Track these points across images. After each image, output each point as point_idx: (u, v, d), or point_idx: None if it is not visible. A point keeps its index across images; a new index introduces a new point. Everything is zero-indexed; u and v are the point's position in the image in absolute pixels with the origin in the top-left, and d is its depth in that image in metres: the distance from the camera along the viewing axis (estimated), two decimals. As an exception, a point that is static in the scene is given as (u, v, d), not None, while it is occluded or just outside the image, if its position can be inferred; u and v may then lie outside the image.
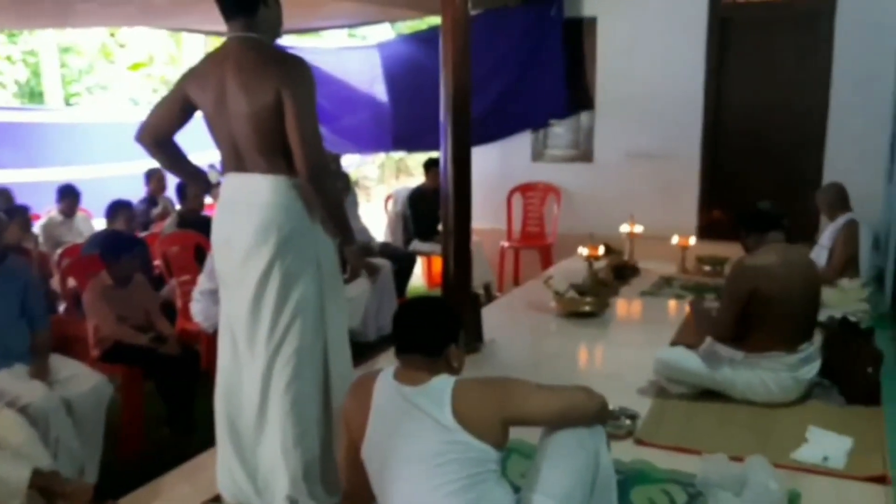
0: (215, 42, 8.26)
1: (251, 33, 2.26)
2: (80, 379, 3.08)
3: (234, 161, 2.32)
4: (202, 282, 4.05)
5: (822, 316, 3.61)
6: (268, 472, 2.37)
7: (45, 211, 6.24)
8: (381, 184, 14.04)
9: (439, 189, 4.09)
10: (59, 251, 5.01)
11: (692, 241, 5.90)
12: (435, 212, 4.75)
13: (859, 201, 4.96)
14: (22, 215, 5.30)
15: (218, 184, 2.47)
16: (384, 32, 10.43)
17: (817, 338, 3.38)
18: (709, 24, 6.17)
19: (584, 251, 5.38)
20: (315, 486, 2.36)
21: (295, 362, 2.30)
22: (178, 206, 5.66)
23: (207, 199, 5.34)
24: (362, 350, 3.96)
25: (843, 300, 4.35)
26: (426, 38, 6.65)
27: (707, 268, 5.75)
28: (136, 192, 6.54)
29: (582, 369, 4.07)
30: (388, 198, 7.15)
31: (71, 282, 4.29)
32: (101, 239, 4.55)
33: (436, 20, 5.15)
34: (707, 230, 6.36)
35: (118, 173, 8.47)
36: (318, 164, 2.23)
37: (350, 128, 7.07)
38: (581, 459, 1.86)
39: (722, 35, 6.19)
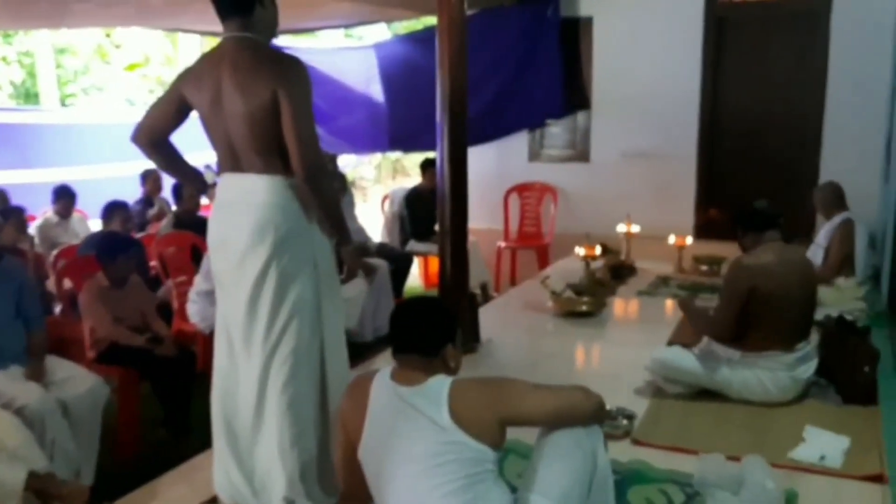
0: (211, 42, 8.24)
1: (247, 33, 2.26)
2: (77, 380, 3.08)
3: (231, 161, 2.31)
4: (198, 283, 4.03)
5: (819, 315, 3.60)
6: (265, 473, 2.36)
7: (41, 212, 6.23)
8: (377, 184, 14.04)
9: (436, 189, 4.10)
10: (54, 252, 4.99)
11: (689, 240, 5.90)
12: (432, 212, 4.75)
13: (856, 200, 4.96)
14: (18, 216, 5.30)
15: (214, 184, 2.46)
16: (380, 32, 10.43)
17: (814, 337, 3.38)
18: (705, 23, 6.17)
19: (580, 251, 5.37)
20: (312, 487, 2.35)
21: (291, 363, 2.29)
22: (174, 207, 5.65)
23: (204, 200, 5.32)
24: (359, 350, 3.96)
25: (840, 299, 4.35)
26: (422, 38, 6.64)
27: (704, 267, 5.75)
28: (132, 193, 6.53)
29: (579, 369, 4.07)
30: (385, 198, 7.15)
31: (67, 283, 4.28)
32: (97, 240, 4.55)
33: (432, 20, 5.14)
34: (704, 230, 6.37)
35: (114, 174, 8.47)
36: (315, 165, 2.23)
37: (346, 128, 7.06)
38: (578, 459, 1.86)
39: (718, 35, 6.20)
